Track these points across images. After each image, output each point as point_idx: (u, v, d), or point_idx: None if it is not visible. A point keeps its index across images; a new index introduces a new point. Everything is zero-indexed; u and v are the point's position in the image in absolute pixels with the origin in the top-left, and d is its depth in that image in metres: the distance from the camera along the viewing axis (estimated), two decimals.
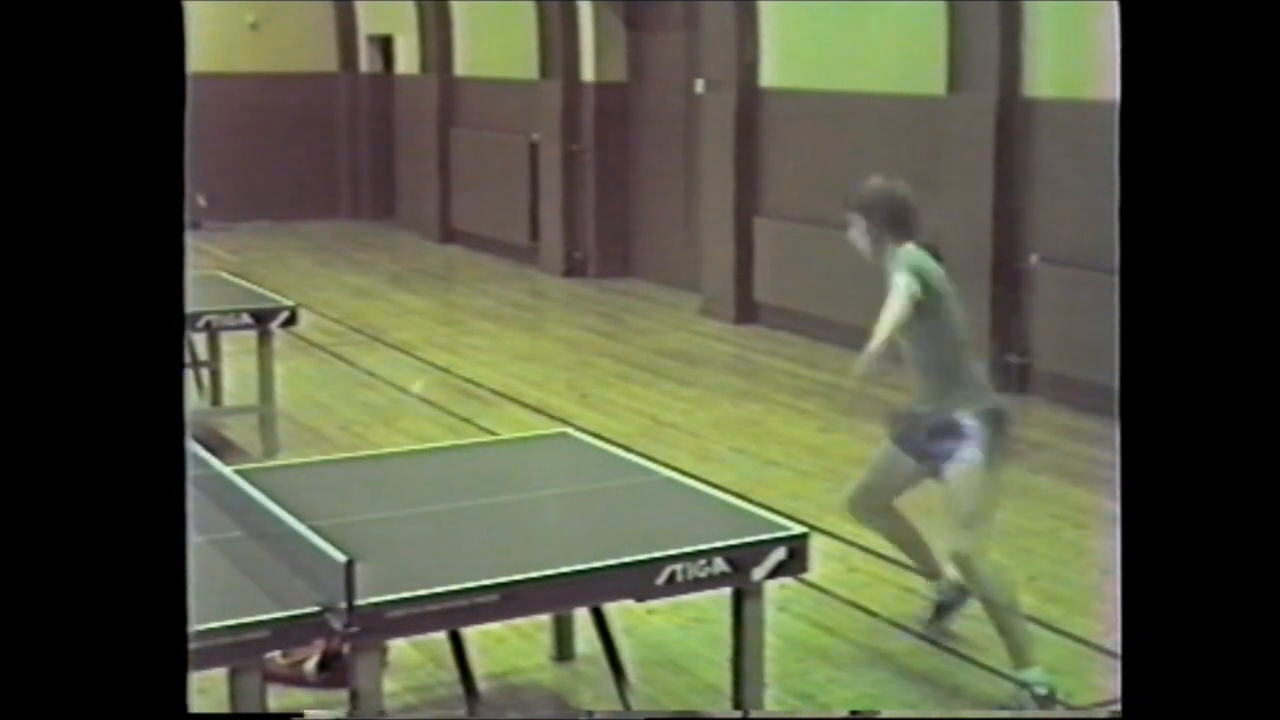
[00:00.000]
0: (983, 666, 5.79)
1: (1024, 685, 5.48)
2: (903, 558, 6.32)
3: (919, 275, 5.53)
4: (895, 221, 5.72)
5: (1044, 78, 10.16)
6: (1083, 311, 9.34)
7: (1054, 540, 7.27)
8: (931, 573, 6.17)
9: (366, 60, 20.09)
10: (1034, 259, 10.11)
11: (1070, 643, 6.01)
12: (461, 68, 17.91)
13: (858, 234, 5.76)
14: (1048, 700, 5.44)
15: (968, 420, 5.56)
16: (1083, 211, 9.68)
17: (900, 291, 5.47)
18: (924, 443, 5.69)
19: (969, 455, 5.54)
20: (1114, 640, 5.55)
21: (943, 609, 6.16)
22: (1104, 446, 8.61)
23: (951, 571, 5.94)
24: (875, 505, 6.04)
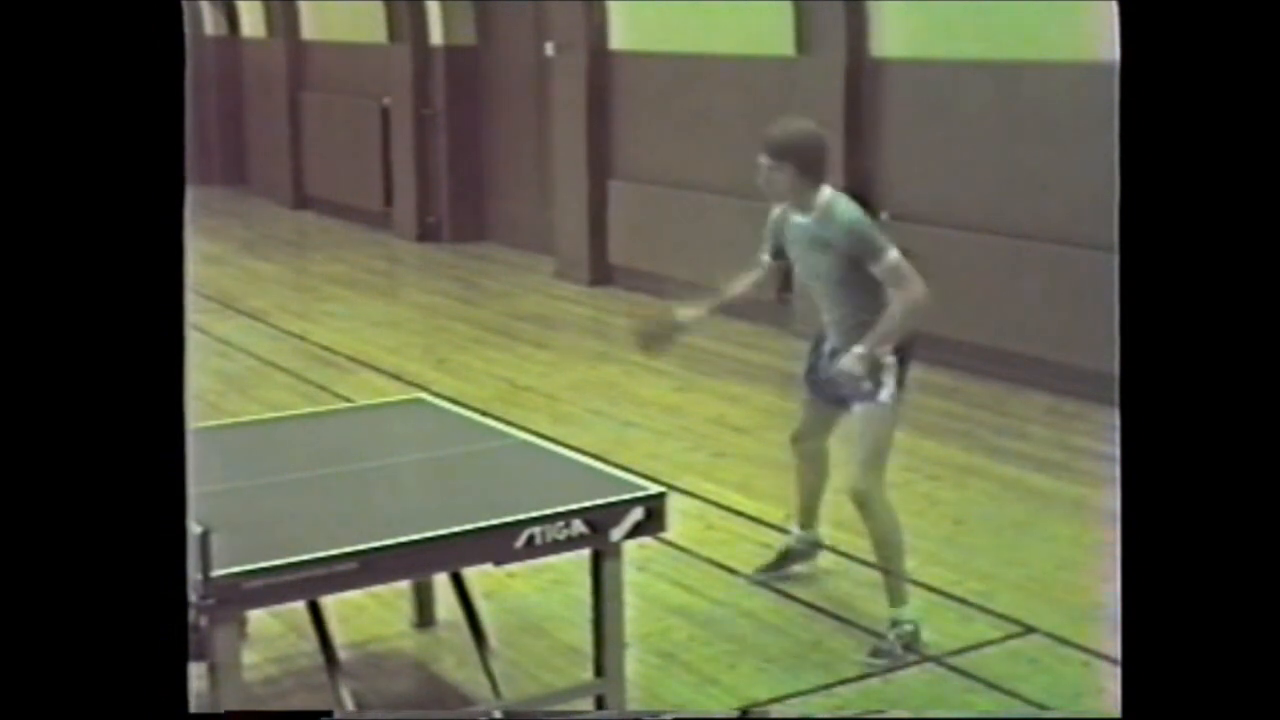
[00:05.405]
0: (838, 619, 5.89)
1: (895, 623, 5.61)
2: (760, 514, 6.39)
3: (872, 228, 5.72)
4: (816, 165, 5.76)
5: (891, 38, 10.26)
6: (935, 268, 9.45)
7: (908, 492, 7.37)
8: (808, 521, 6.29)
9: (211, 23, 19.74)
10: (884, 216, 10.22)
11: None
12: (309, 31, 17.67)
13: (778, 179, 5.69)
14: (913, 638, 5.58)
15: (889, 358, 5.60)
16: (933, 169, 9.82)
17: (905, 267, 5.63)
18: (838, 384, 5.71)
19: (884, 395, 5.63)
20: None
21: (789, 557, 6.31)
22: (955, 399, 8.77)
23: (822, 528, 6.26)
24: (810, 448, 6.13)
